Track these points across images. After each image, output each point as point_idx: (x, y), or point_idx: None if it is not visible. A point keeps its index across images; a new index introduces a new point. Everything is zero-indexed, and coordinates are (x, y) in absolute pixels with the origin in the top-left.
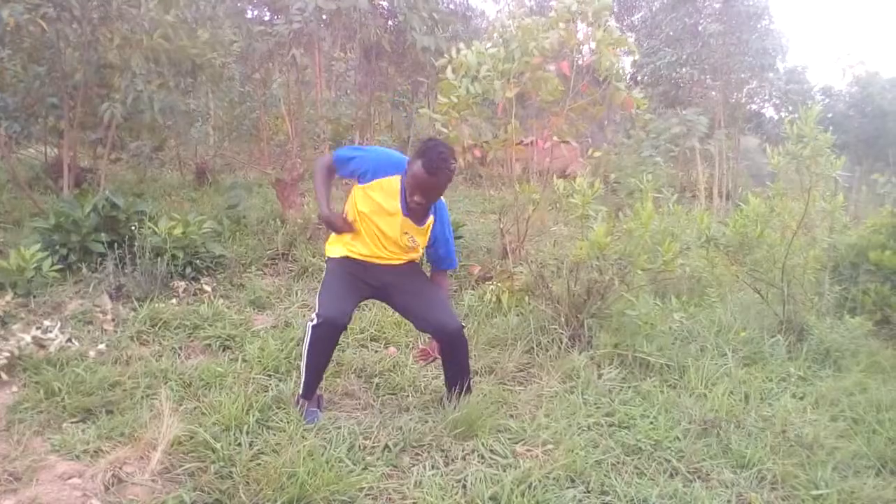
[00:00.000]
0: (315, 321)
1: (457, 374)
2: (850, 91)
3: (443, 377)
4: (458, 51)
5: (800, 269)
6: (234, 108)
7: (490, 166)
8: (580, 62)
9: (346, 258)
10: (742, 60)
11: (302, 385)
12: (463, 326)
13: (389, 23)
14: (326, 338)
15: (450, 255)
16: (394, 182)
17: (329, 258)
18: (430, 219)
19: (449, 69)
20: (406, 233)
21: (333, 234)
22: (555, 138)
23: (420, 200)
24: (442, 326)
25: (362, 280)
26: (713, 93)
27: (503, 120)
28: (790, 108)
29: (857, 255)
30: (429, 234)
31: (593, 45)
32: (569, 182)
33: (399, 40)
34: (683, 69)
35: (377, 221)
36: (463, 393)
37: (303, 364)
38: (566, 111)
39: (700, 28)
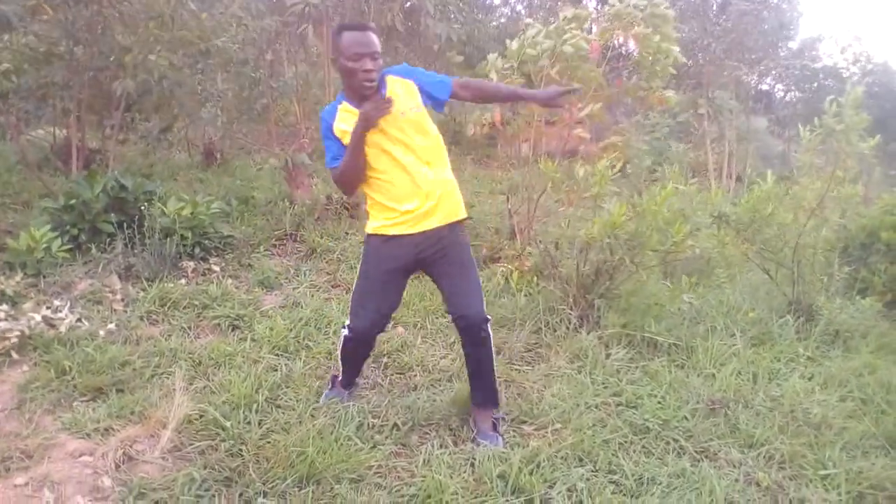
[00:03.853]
0: (347, 332)
1: (477, 374)
2: (855, 71)
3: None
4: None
5: (810, 249)
6: (243, 91)
7: (499, 146)
8: (616, 50)
9: (385, 240)
10: (757, 40)
11: (343, 377)
12: (488, 319)
13: (407, 4)
14: (360, 348)
15: (443, 78)
16: (344, 109)
17: (367, 237)
18: (410, 87)
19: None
20: (403, 113)
21: (370, 205)
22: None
23: (369, 66)
24: (462, 311)
25: (402, 264)
26: (725, 72)
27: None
28: (805, 88)
29: (868, 235)
30: (417, 94)
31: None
32: (586, 164)
33: (412, 22)
34: (700, 44)
35: (381, 139)
36: (485, 402)
37: (339, 363)
38: (589, 97)
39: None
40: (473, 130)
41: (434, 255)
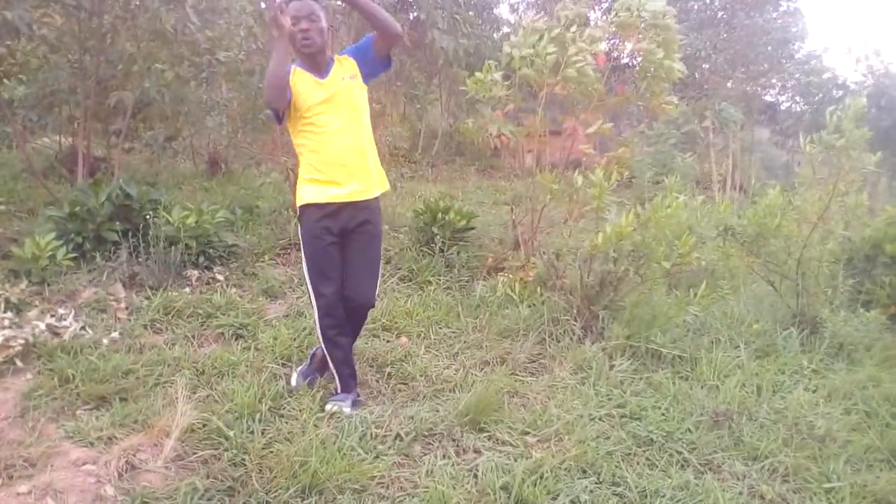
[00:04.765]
0: (318, 313)
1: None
2: (868, 83)
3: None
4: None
5: (815, 261)
6: (249, 100)
7: (503, 157)
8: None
9: (320, 215)
10: (764, 51)
11: (339, 383)
12: (374, 305)
13: (410, 16)
14: (336, 321)
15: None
16: (293, 72)
17: (301, 210)
18: (350, 62)
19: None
20: (343, 78)
21: (304, 173)
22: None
23: (304, 26)
24: (357, 298)
25: (333, 236)
26: (729, 83)
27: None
28: (810, 100)
29: (872, 247)
30: (356, 66)
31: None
32: (585, 174)
33: (418, 34)
34: (706, 55)
35: (332, 100)
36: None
37: (329, 360)
38: (592, 108)
39: (720, 14)
40: (478, 140)
41: (357, 227)
